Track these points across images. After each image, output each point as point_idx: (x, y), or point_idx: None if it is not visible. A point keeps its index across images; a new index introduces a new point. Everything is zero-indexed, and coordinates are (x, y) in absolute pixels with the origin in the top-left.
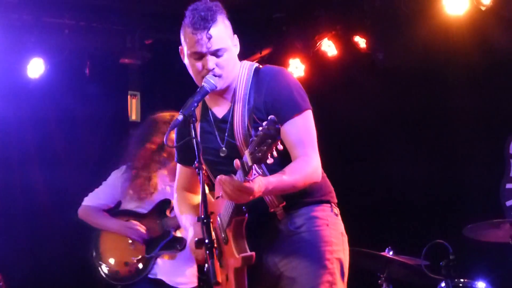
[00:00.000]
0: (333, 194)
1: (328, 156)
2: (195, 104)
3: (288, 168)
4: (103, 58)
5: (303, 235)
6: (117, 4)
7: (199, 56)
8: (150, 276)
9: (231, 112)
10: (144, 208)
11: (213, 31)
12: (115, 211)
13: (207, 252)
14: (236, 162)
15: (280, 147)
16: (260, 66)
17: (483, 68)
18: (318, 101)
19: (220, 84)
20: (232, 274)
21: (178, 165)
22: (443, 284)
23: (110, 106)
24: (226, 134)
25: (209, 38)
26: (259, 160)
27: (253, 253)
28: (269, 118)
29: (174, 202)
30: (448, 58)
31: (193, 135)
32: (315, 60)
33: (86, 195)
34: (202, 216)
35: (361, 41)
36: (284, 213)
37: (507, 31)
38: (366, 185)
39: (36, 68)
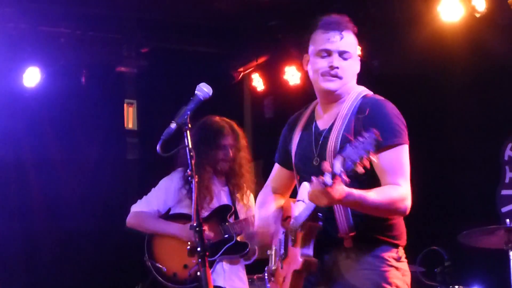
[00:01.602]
0: (404, 236)
1: None
2: (188, 112)
3: (374, 189)
4: (99, 66)
5: (365, 272)
6: (113, 12)
7: (327, 53)
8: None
9: (330, 127)
10: (201, 213)
11: (345, 34)
12: (168, 215)
13: (199, 260)
14: (325, 164)
15: (375, 160)
16: (369, 93)
17: (478, 75)
18: None
19: (335, 86)
20: (290, 276)
21: (276, 165)
22: None
23: (106, 114)
24: (319, 146)
25: (341, 38)
26: (349, 170)
27: (316, 260)
28: (371, 129)
29: (259, 196)
30: (444, 65)
31: (186, 143)
32: None
33: (84, 202)
34: (195, 224)
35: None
36: (352, 243)
37: (501, 37)
38: None
39: (32, 76)
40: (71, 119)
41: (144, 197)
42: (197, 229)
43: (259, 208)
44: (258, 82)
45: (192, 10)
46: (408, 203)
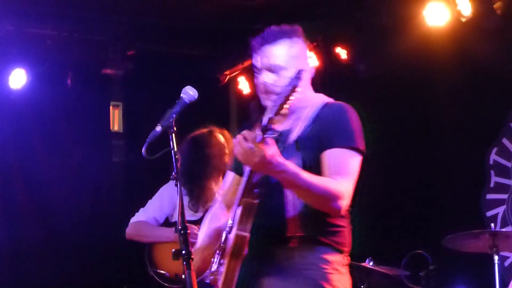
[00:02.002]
0: (350, 246)
1: None
2: (174, 115)
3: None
4: (85, 68)
5: (309, 272)
6: (99, 15)
7: (258, 72)
8: (207, 281)
9: (290, 128)
10: (195, 216)
11: (269, 48)
12: (169, 223)
13: (184, 263)
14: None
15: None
16: (330, 101)
17: (463, 79)
18: None
19: (268, 102)
20: (227, 260)
21: (229, 175)
22: None
23: (92, 116)
24: (279, 146)
25: (265, 54)
26: (277, 113)
27: (249, 235)
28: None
29: (210, 212)
30: (429, 69)
31: (172, 147)
32: None
33: (69, 204)
34: (180, 227)
35: (342, 52)
36: (298, 243)
37: (487, 42)
38: None
39: (18, 78)
40: (57, 121)
41: (141, 209)
42: (181, 232)
43: (208, 224)
44: (244, 85)
45: (179, 13)
46: (343, 203)
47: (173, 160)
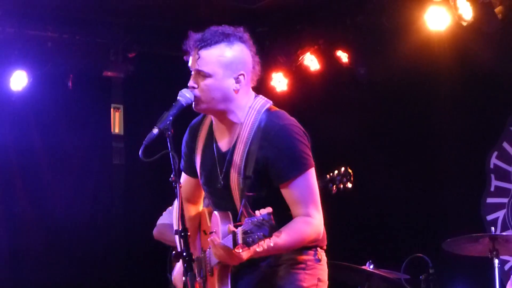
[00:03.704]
0: (323, 238)
1: None
2: (170, 117)
3: (287, 229)
4: (86, 71)
5: (277, 275)
6: (100, 17)
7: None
8: None
9: (232, 151)
10: None
11: (204, 51)
12: None
13: (185, 265)
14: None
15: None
16: (272, 108)
17: (464, 83)
18: (301, 115)
19: (199, 108)
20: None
21: (183, 174)
22: None
23: (93, 118)
24: (224, 169)
25: (198, 57)
26: (248, 245)
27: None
28: (266, 212)
29: (173, 210)
30: (430, 73)
31: (169, 149)
32: (298, 74)
33: (70, 206)
34: (180, 229)
35: (343, 56)
36: None
37: (488, 46)
38: (347, 199)
39: (19, 80)
40: (57, 123)
41: (167, 208)
42: (182, 234)
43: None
44: None
45: (179, 16)
46: (321, 231)
47: (171, 162)
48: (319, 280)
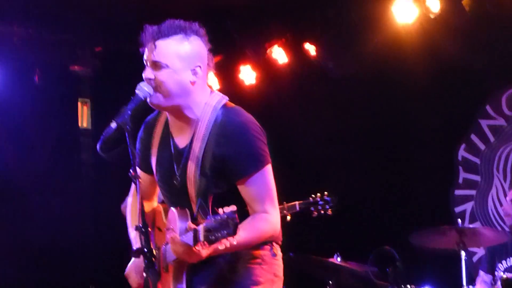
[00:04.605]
0: (279, 234)
1: (277, 163)
2: (129, 112)
3: (246, 226)
4: (53, 65)
5: (233, 270)
6: (67, 12)
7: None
8: None
9: (189, 147)
10: None
11: (160, 42)
12: None
13: (146, 261)
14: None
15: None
16: (228, 104)
17: (433, 76)
18: (268, 109)
19: (157, 101)
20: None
21: (138, 170)
22: None
23: (60, 113)
24: (181, 166)
25: (155, 47)
26: (210, 243)
27: None
28: (230, 210)
29: (127, 207)
30: (398, 66)
31: (128, 143)
32: (266, 67)
33: (38, 202)
34: (140, 225)
35: (311, 49)
36: None
37: (455, 39)
38: (314, 191)
39: None
40: (24, 117)
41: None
42: (142, 230)
43: (130, 232)
44: (213, 81)
45: (147, 11)
46: (278, 227)
47: (130, 157)
48: (275, 275)
